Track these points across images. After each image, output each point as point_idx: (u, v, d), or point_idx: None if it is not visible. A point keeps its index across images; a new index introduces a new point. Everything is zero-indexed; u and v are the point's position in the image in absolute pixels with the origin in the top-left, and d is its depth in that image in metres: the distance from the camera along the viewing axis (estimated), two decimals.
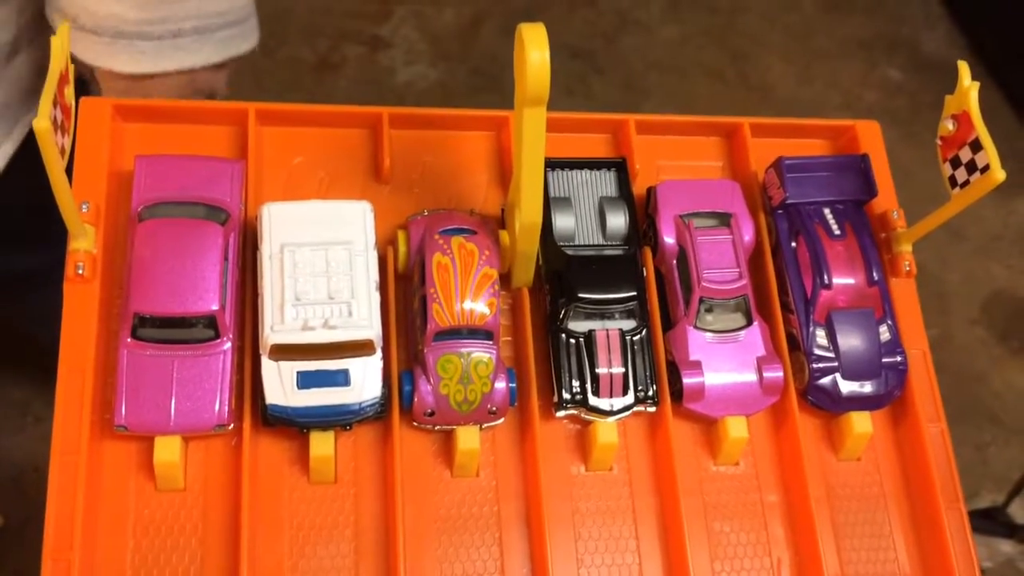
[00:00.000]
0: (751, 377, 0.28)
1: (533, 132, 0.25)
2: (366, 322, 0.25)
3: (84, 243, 0.26)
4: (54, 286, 0.57)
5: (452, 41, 1.62)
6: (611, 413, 0.27)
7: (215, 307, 0.25)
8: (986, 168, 0.26)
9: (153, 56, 0.32)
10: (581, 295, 0.28)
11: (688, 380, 0.28)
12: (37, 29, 0.43)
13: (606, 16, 1.51)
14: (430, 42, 1.62)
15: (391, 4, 1.64)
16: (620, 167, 0.30)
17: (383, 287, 0.27)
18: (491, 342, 0.27)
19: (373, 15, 1.64)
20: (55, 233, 0.60)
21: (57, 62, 0.23)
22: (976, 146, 0.26)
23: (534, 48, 0.23)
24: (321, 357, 0.25)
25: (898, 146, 1.73)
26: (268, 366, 0.25)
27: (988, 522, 0.79)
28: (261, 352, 0.26)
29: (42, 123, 0.22)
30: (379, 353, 0.26)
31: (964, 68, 0.27)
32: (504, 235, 0.28)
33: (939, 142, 0.28)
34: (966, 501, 0.29)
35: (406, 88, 1.56)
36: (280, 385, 0.25)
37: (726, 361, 0.28)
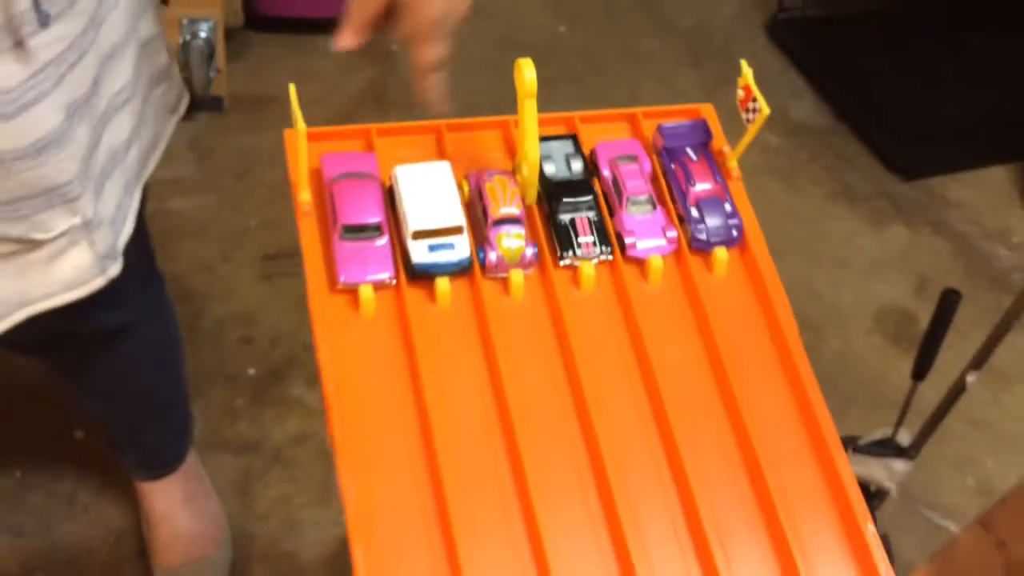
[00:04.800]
0: (661, 239, 0.54)
1: (529, 115, 0.51)
2: (459, 218, 0.51)
3: (305, 196, 0.51)
4: (130, 343, 0.91)
5: None
6: (589, 256, 0.53)
7: (379, 219, 0.50)
8: (758, 110, 0.53)
9: None
10: (564, 200, 0.53)
11: (628, 239, 0.54)
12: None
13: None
14: None
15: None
16: (575, 138, 0.56)
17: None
18: (521, 227, 0.52)
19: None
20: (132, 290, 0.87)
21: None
22: (755, 100, 0.53)
23: (527, 67, 0.49)
24: (438, 236, 0.50)
25: (782, 196, 2.13)
26: (413, 244, 0.50)
27: (882, 447, 1.04)
28: (405, 237, 0.50)
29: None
30: (466, 234, 0.51)
31: (744, 63, 0.54)
32: (520, 177, 0.54)
33: (739, 103, 0.55)
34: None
35: None
36: (420, 252, 0.50)
37: (647, 230, 0.54)
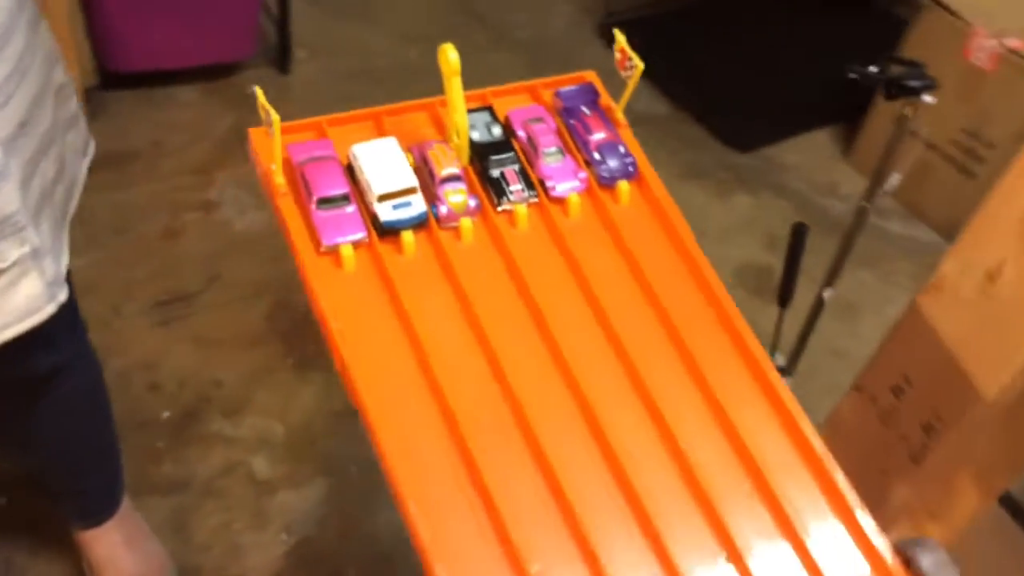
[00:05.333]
0: (575, 181, 0.66)
1: (456, 91, 0.62)
2: (411, 180, 0.61)
3: (280, 179, 0.60)
4: (65, 386, 1.02)
5: None
6: (521, 201, 0.64)
7: (346, 190, 0.60)
8: (634, 66, 0.66)
9: None
10: (492, 157, 0.65)
11: (548, 183, 0.66)
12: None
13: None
14: (253, 194, 1.98)
15: (212, 172, 1.99)
16: (490, 109, 0.68)
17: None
18: (463, 183, 0.63)
19: (199, 186, 1.98)
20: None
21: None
22: (630, 59, 0.66)
23: (450, 50, 0.61)
24: (398, 197, 0.61)
25: None
26: (379, 206, 0.60)
27: None
28: (371, 202, 0.61)
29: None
30: (420, 193, 0.62)
31: (617, 32, 0.68)
32: (453, 144, 0.65)
33: (617, 64, 0.68)
34: None
35: (244, 235, 1.89)
36: (386, 211, 0.60)
37: (562, 174, 0.66)
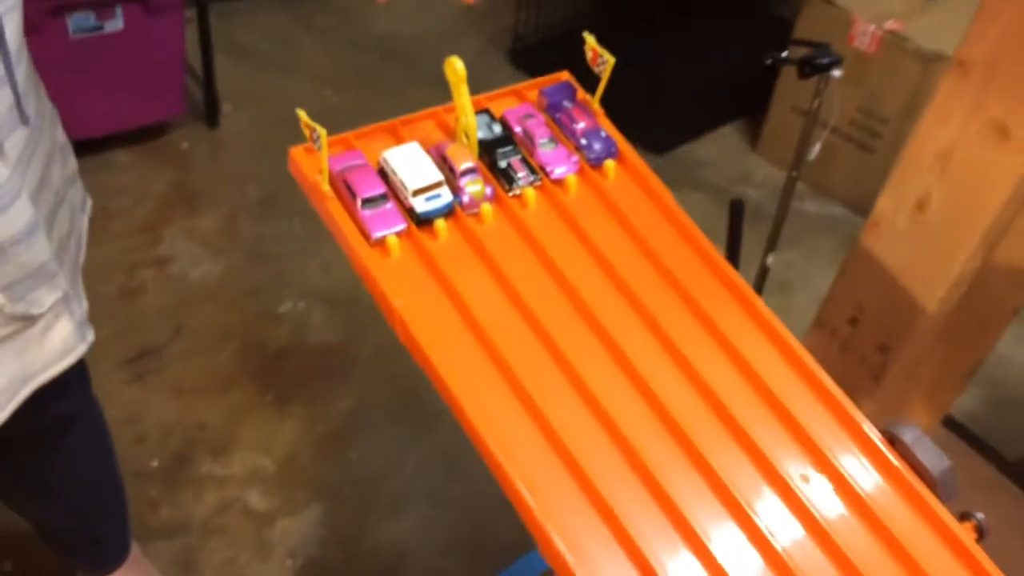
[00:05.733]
0: (568, 164, 0.77)
1: (465, 96, 0.73)
2: (437, 176, 0.72)
3: (326, 186, 0.70)
4: (76, 433, 1.12)
5: (220, 237, 2.04)
6: (528, 184, 0.75)
7: (384, 190, 0.70)
8: (605, 61, 0.78)
9: None
10: (498, 151, 0.76)
11: (548, 168, 0.77)
12: None
13: None
14: (203, 244, 2.04)
15: (160, 228, 2.05)
16: (488, 111, 0.79)
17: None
18: (479, 175, 0.74)
19: (149, 243, 2.03)
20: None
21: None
22: (601, 56, 0.78)
23: (456, 61, 0.71)
24: (429, 191, 0.71)
25: None
26: (414, 200, 0.70)
27: None
28: (406, 197, 0.71)
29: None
30: (446, 186, 0.72)
31: (586, 34, 0.79)
32: (463, 142, 0.75)
33: (589, 62, 0.79)
34: None
35: (202, 284, 1.96)
36: (420, 204, 0.70)
37: (557, 160, 0.77)
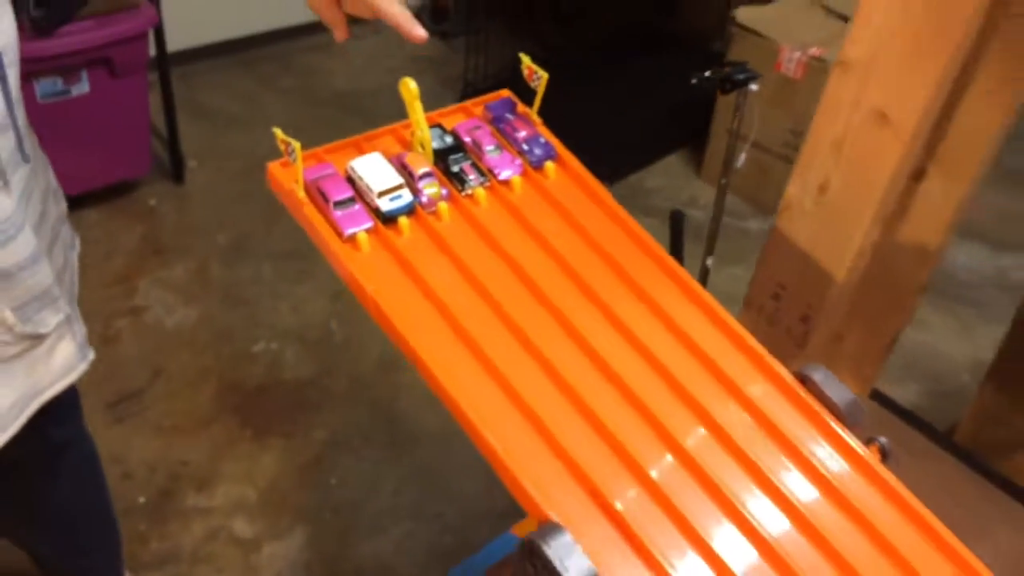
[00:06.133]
0: (513, 167, 0.89)
1: (419, 111, 0.84)
2: (398, 180, 0.82)
3: (301, 194, 0.80)
4: (72, 459, 1.25)
5: (193, 285, 2.14)
6: (478, 185, 0.86)
7: (352, 194, 0.81)
8: (540, 77, 0.89)
9: None
10: (450, 157, 0.87)
11: (495, 171, 0.88)
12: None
13: None
14: (176, 292, 2.13)
15: (133, 280, 2.14)
16: (440, 126, 0.90)
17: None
18: (435, 178, 0.85)
19: (124, 294, 2.12)
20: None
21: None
22: (536, 72, 0.90)
23: (410, 81, 0.82)
24: (392, 192, 0.82)
25: None
26: (380, 200, 0.81)
27: None
28: (372, 199, 0.81)
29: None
30: (406, 188, 0.83)
31: (522, 55, 0.91)
32: (420, 152, 0.86)
33: (526, 78, 0.91)
34: None
35: (177, 330, 2.04)
36: (385, 204, 0.81)
37: (503, 164, 0.88)
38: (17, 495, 1.21)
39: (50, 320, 0.96)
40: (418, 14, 3.28)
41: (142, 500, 1.69)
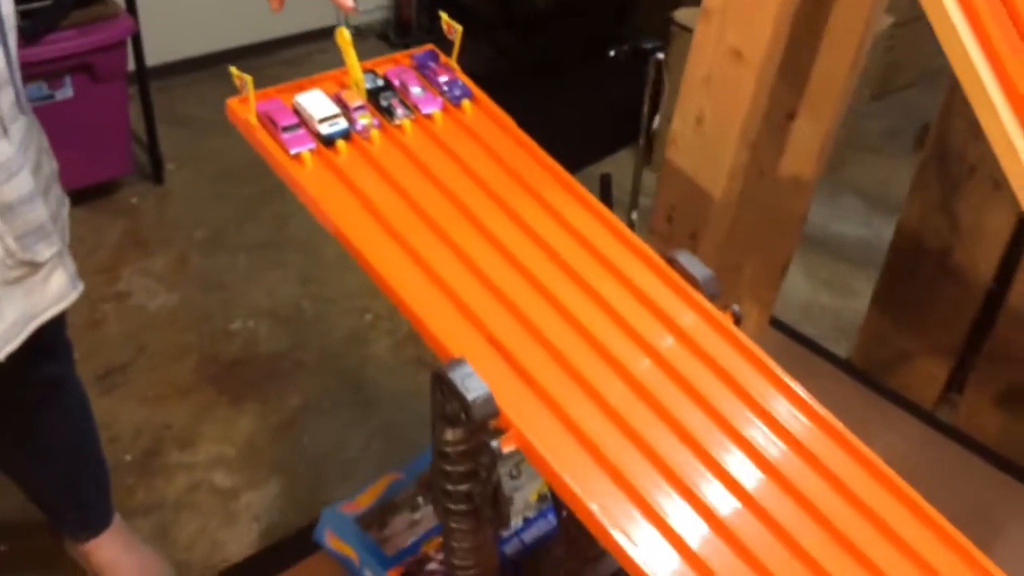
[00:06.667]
0: (435, 104, 1.07)
1: (353, 57, 1.02)
2: (336, 110, 1.00)
3: (253, 120, 0.98)
4: (63, 398, 1.48)
5: (173, 274, 2.31)
6: (405, 117, 1.04)
7: (297, 120, 0.99)
8: (456, 29, 1.08)
9: None
10: (381, 95, 1.05)
11: (419, 106, 1.06)
12: None
13: None
14: (158, 280, 2.30)
15: (117, 269, 2.31)
16: (373, 72, 1.08)
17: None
18: (367, 110, 1.03)
19: (106, 281, 2.29)
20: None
21: None
22: (453, 28, 1.08)
23: (345, 31, 1.01)
24: (330, 120, 1.00)
25: None
26: (320, 125, 0.99)
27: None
28: (314, 125, 0.99)
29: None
30: (343, 116, 1.01)
31: (442, 12, 1.09)
32: (355, 90, 1.05)
33: (446, 32, 1.09)
34: None
35: (159, 312, 2.22)
36: (325, 128, 0.99)
37: (427, 102, 1.07)
38: (17, 428, 1.37)
39: (45, 252, 1.13)
40: (384, 29, 3.48)
41: (128, 458, 1.85)
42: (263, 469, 1.85)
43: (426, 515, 1.20)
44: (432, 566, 1.12)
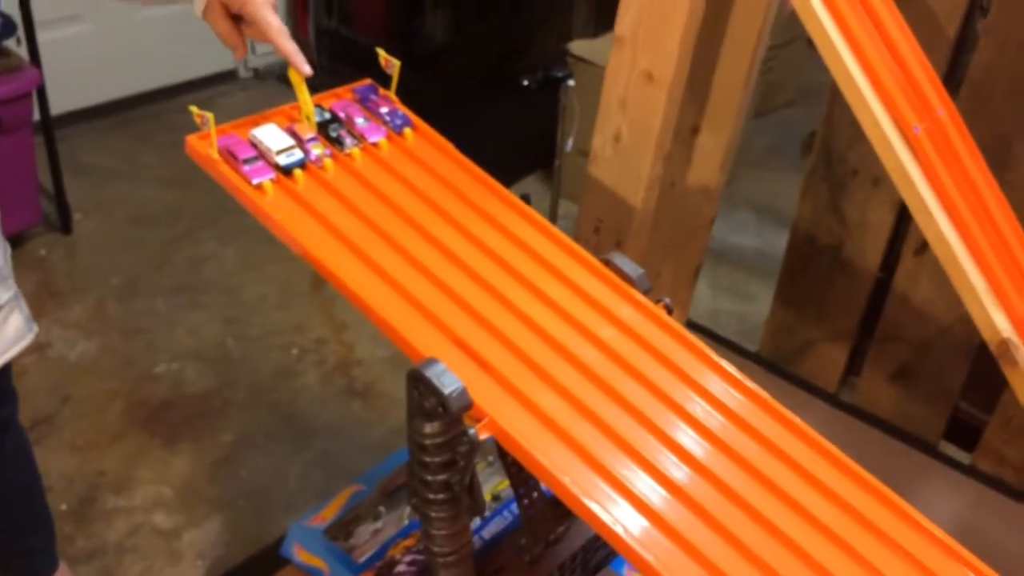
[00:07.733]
0: (380, 133, 1.17)
1: (305, 93, 1.12)
2: (291, 141, 1.09)
3: (215, 155, 1.06)
4: (9, 440, 1.55)
5: (91, 321, 2.33)
6: (354, 146, 1.14)
7: (256, 154, 1.07)
8: (393, 64, 1.18)
9: None
10: (330, 127, 1.14)
11: (367, 135, 1.16)
12: None
13: None
14: (76, 329, 2.32)
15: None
16: (320, 106, 1.18)
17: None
18: (319, 141, 1.12)
19: None
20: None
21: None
22: (390, 62, 1.19)
23: (297, 72, 1.10)
24: (287, 152, 1.08)
25: None
26: (278, 157, 1.08)
27: None
28: (272, 156, 1.08)
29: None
30: (297, 148, 1.10)
31: (379, 50, 1.20)
32: (306, 124, 1.14)
33: (384, 66, 1.20)
34: None
35: (80, 361, 2.24)
36: (283, 159, 1.07)
37: (372, 131, 1.17)
38: None
39: (3, 295, 1.18)
40: (284, 71, 3.54)
41: (64, 507, 1.86)
42: (203, 507, 1.88)
43: (388, 522, 1.28)
44: (400, 568, 1.20)
